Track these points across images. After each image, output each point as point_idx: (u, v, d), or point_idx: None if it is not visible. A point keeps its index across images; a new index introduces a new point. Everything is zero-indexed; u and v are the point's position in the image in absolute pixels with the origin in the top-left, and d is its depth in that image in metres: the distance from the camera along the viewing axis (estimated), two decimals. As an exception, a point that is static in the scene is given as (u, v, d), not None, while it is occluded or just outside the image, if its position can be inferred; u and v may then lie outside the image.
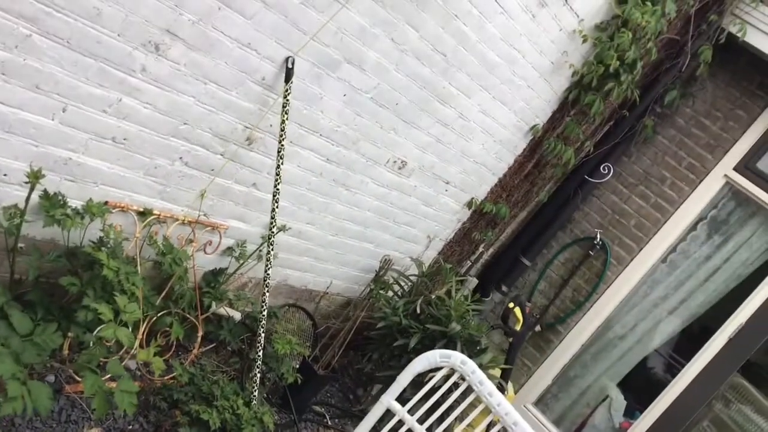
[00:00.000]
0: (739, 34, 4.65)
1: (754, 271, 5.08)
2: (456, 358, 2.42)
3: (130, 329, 2.65)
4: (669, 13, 4.27)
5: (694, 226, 5.23)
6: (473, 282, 5.45)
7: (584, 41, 4.25)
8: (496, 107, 4.23)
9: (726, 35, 4.70)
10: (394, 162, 3.98)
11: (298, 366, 3.92)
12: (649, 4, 4.18)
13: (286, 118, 3.10)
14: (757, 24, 4.68)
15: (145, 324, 3.09)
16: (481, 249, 5.29)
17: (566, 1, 3.97)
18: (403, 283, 4.58)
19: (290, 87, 3.04)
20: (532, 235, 5.50)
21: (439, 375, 2.50)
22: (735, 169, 5.02)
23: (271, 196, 3.27)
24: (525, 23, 3.87)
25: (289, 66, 3.01)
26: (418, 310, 4.19)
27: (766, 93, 4.94)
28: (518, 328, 4.77)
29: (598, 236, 5.34)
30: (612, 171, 5.26)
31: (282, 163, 3.19)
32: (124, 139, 2.74)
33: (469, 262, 5.33)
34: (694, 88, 5.09)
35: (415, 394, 2.56)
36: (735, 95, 5.05)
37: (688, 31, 4.62)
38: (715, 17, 4.60)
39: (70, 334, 2.73)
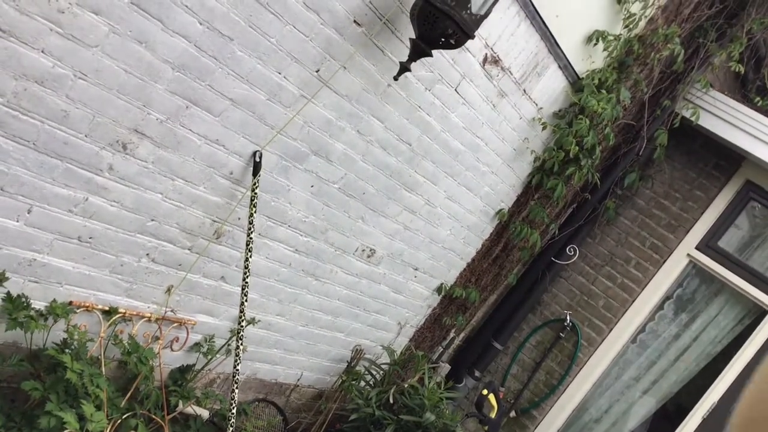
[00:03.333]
0: (692, 119, 4.83)
1: (723, 349, 5.11)
2: (432, 453, 2.36)
3: (94, 435, 2.55)
4: (623, 100, 4.43)
5: (661, 306, 5.29)
6: (446, 368, 5.38)
7: (544, 128, 4.38)
8: (462, 193, 4.30)
9: (680, 119, 4.88)
10: (363, 250, 3.98)
11: (269, 464, 3.79)
12: (604, 92, 4.34)
13: (254, 211, 3.11)
14: (709, 108, 4.88)
15: (109, 428, 2.98)
16: (452, 334, 5.26)
17: (525, 91, 4.11)
18: (375, 372, 4.51)
19: (258, 180, 3.06)
20: (503, 318, 5.49)
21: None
22: (697, 248, 5.12)
23: (240, 289, 3.24)
24: (486, 113, 3.98)
25: (257, 160, 3.03)
26: (391, 400, 4.12)
27: (721, 173, 5.10)
28: (493, 415, 4.69)
29: (568, 318, 5.36)
30: (578, 252, 5.33)
31: (250, 256, 3.17)
32: (90, 238, 2.71)
33: (440, 347, 5.28)
34: (653, 171, 5.24)
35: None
36: (692, 176, 5.20)
37: (643, 116, 4.79)
38: (669, 102, 4.79)
39: (30, 441, 2.62)
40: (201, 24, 2.51)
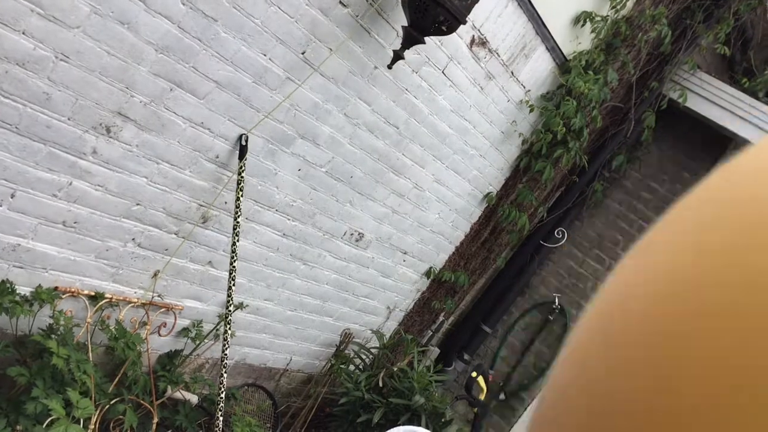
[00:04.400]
0: (679, 100, 4.83)
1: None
2: (421, 434, 2.36)
3: (82, 424, 2.54)
4: (611, 82, 4.43)
5: (649, 287, 5.30)
6: (435, 352, 5.40)
7: (531, 111, 4.37)
8: (450, 176, 4.29)
9: (667, 101, 4.88)
10: (351, 234, 3.97)
11: (259, 448, 3.79)
12: (591, 73, 4.33)
13: (241, 195, 3.09)
14: (696, 89, 4.89)
15: (97, 414, 2.96)
16: (441, 318, 5.27)
17: (512, 74, 4.09)
18: (364, 356, 4.51)
19: (244, 164, 3.04)
20: (492, 302, 5.50)
21: (404, 453, 2.44)
22: (684, 229, 5.13)
23: (228, 273, 3.22)
24: (474, 95, 3.97)
25: (243, 143, 3.01)
26: (381, 384, 4.12)
27: (709, 155, 5.11)
28: (482, 397, 4.71)
29: (557, 301, 5.37)
30: (566, 235, 5.33)
31: (238, 240, 3.16)
32: (75, 223, 2.68)
33: (430, 331, 5.29)
34: (640, 153, 5.25)
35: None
36: (680, 158, 5.21)
37: (631, 98, 4.79)
38: (656, 84, 4.79)
39: (18, 427, 2.60)
40: (184, 4, 2.48)
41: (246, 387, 4.02)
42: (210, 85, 2.74)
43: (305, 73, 3.04)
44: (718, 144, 5.06)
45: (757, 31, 5.20)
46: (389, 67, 3.10)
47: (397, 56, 3.03)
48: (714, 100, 4.86)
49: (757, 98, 4.88)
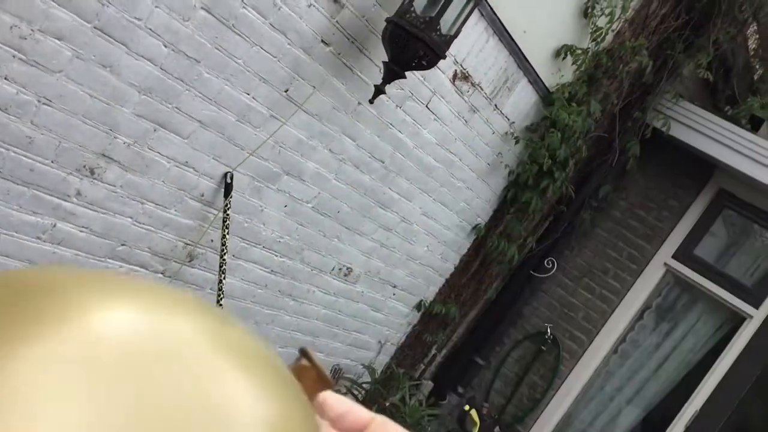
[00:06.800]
0: (663, 129, 4.88)
1: (703, 357, 5.14)
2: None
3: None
4: (594, 113, 4.48)
5: (641, 315, 5.31)
6: (428, 386, 5.36)
7: (516, 142, 4.41)
8: (438, 209, 4.31)
9: (651, 130, 4.93)
10: (340, 269, 3.98)
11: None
12: (574, 105, 4.39)
13: (227, 233, 3.10)
14: (680, 118, 4.94)
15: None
16: (433, 351, 5.25)
17: (496, 106, 4.14)
18: (356, 392, 4.49)
19: (230, 201, 3.06)
20: (484, 333, 5.49)
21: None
22: (674, 257, 5.16)
23: None
24: (459, 128, 4.01)
25: (228, 181, 3.03)
26: (373, 420, 4.08)
27: (695, 182, 5.16)
28: (475, 431, 4.68)
29: (549, 331, 5.36)
30: (556, 265, 5.34)
31: (225, 278, 3.16)
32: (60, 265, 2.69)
33: (422, 365, 5.27)
34: (626, 182, 5.29)
35: None
36: (666, 186, 5.25)
37: (615, 128, 4.84)
38: (639, 114, 4.84)
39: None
40: (166, 47, 2.52)
41: None
42: (194, 125, 2.77)
43: (289, 111, 3.08)
44: (704, 171, 5.11)
45: (738, 59, 5.29)
46: (371, 101, 3.13)
47: (379, 91, 3.07)
48: (698, 128, 4.91)
49: (740, 125, 4.94)
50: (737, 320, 5.01)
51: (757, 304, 4.89)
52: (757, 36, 5.41)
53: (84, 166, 2.54)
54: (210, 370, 0.28)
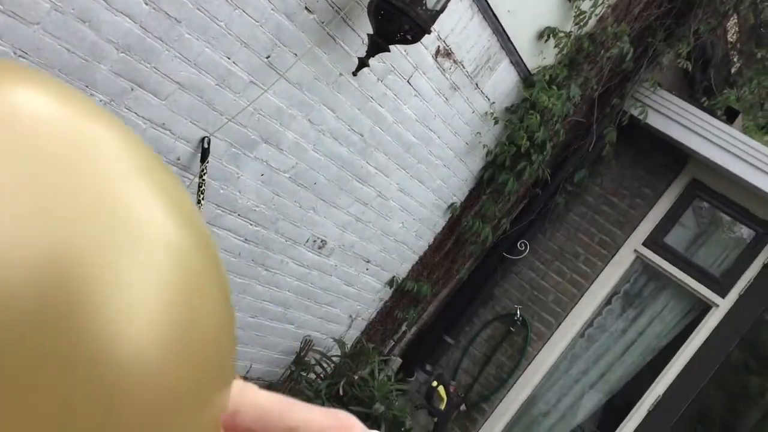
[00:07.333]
0: (640, 117, 4.93)
1: (669, 343, 5.23)
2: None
3: None
4: (573, 97, 4.50)
5: (609, 301, 5.38)
6: (397, 362, 5.40)
7: (495, 123, 4.42)
8: (414, 186, 4.31)
9: (628, 117, 4.97)
10: (314, 241, 3.97)
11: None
12: (555, 88, 4.40)
13: (203, 198, 3.07)
14: (657, 107, 4.99)
15: None
16: (404, 328, 5.28)
17: (477, 85, 4.14)
18: (325, 365, 4.50)
19: (206, 167, 3.03)
20: (455, 312, 5.53)
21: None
22: (644, 244, 5.23)
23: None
24: (439, 105, 4.01)
25: (205, 146, 3.00)
26: (341, 392, 4.11)
27: (669, 171, 5.22)
28: (442, 407, 4.73)
29: (518, 312, 5.42)
30: (528, 248, 5.39)
31: (198, 244, 3.13)
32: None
33: (392, 341, 5.30)
34: (602, 167, 5.33)
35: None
36: (640, 173, 5.31)
37: (593, 113, 4.87)
38: (618, 101, 4.88)
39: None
40: (147, 4, 2.48)
41: (204, 394, 3.98)
42: (172, 86, 2.73)
43: (270, 78, 3.05)
44: (678, 161, 5.17)
45: (717, 51, 5.34)
46: (354, 74, 3.12)
47: (362, 63, 3.05)
48: (674, 117, 4.97)
49: (716, 117, 5.00)
50: (703, 309, 5.10)
51: (723, 294, 4.98)
52: (737, 29, 5.46)
53: (59, 122, 2.49)
54: (124, 174, 0.27)
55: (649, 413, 5.03)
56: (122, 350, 0.24)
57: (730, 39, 5.51)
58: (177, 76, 2.72)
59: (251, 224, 3.53)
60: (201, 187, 3.05)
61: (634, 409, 5.09)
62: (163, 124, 2.81)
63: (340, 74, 3.34)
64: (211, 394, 0.29)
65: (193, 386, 0.27)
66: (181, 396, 0.27)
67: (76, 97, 0.28)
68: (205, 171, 3.03)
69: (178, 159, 2.96)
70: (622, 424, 5.12)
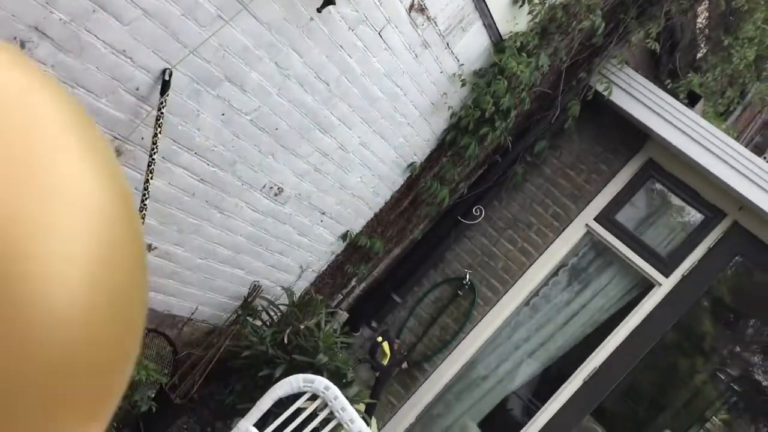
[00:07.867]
0: (605, 93, 4.96)
1: (610, 318, 5.36)
2: (319, 383, 2.38)
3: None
4: (542, 66, 4.50)
5: (556, 272, 5.47)
6: (344, 316, 5.42)
7: (463, 85, 4.40)
8: (376, 141, 4.28)
9: (593, 93, 5.00)
10: (271, 188, 3.92)
11: (153, 395, 3.73)
12: (524, 55, 4.39)
13: (159, 132, 2.99)
14: (621, 84, 5.03)
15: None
16: (353, 283, 5.29)
17: (448, 45, 4.11)
18: (272, 313, 4.49)
19: (165, 100, 2.94)
20: (405, 272, 5.56)
21: (301, 400, 2.45)
22: (596, 219, 5.31)
23: (138, 212, 3.13)
24: (408, 62, 3.96)
25: (166, 78, 2.91)
26: (286, 340, 4.11)
27: (627, 149, 5.29)
28: (385, 362, 4.77)
29: (467, 277, 5.47)
30: (483, 214, 5.43)
31: (151, 179, 3.06)
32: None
33: (340, 295, 5.31)
34: (562, 140, 5.37)
35: (275, 419, 2.49)
36: (599, 150, 5.37)
37: (559, 85, 4.89)
38: (585, 75, 4.90)
39: None
40: None
41: (147, 332, 3.94)
42: (136, 12, 2.63)
43: (239, 15, 2.96)
44: (636, 140, 5.24)
45: (686, 35, 5.39)
46: (319, 10, 3.04)
47: (328, 0, 2.98)
48: (637, 96, 5.02)
49: (678, 99, 5.06)
50: (646, 286, 5.23)
51: (667, 273, 5.11)
52: (707, 15, 5.52)
53: (14, 38, 2.39)
54: (54, 135, 0.30)
55: (584, 384, 5.17)
56: (40, 294, 0.26)
57: (699, 24, 5.57)
58: (142, 2, 2.62)
59: (208, 164, 3.46)
60: (159, 120, 2.97)
61: (569, 380, 5.22)
62: (124, 51, 2.71)
63: (311, 18, 3.27)
64: (113, 362, 0.31)
65: (98, 348, 0.29)
66: (85, 352, 0.29)
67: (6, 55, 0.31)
68: (163, 104, 2.95)
69: (137, 89, 2.87)
70: (556, 393, 5.25)
